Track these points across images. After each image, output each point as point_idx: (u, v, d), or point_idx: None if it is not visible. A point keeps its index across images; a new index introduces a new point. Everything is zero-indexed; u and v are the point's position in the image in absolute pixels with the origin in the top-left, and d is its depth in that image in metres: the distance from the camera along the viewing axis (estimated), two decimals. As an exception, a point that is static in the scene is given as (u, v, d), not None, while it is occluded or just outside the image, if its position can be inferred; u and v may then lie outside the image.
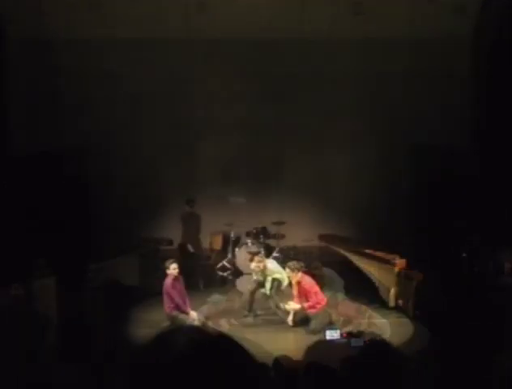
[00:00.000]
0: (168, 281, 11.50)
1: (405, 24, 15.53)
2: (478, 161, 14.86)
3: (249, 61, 16.32)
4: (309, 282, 11.60)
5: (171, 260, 11.72)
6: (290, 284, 11.96)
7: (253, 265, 12.19)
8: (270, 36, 15.79)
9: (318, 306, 11.47)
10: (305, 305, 11.47)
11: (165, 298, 11.49)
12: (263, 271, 12.09)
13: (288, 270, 11.69)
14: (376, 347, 3.62)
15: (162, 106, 16.45)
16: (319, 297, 11.58)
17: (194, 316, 11.50)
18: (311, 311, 11.45)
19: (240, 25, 15.50)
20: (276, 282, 12.04)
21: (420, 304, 12.02)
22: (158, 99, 16.40)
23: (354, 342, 10.20)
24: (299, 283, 11.60)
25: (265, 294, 12.12)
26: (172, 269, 11.52)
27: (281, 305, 11.91)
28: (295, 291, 11.68)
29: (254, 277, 12.26)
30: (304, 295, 11.59)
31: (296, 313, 11.60)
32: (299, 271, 11.59)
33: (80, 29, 15.33)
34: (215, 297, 13.15)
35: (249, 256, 13.15)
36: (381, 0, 15.49)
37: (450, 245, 13.79)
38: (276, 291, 12.05)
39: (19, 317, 3.54)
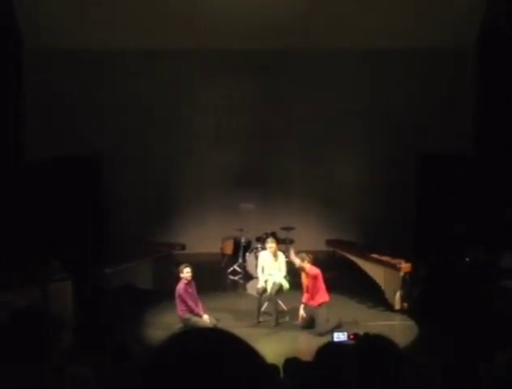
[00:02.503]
0: (180, 285, 11.46)
1: (409, 34, 15.50)
2: (481, 167, 14.76)
3: (256, 68, 16.30)
4: (315, 271, 11.60)
5: (184, 264, 11.69)
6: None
7: (268, 245, 12.35)
8: (277, 44, 15.78)
9: (320, 300, 11.49)
10: (312, 302, 11.52)
11: (178, 302, 11.45)
12: (275, 253, 12.21)
13: (298, 260, 11.69)
14: (365, 342, 3.52)
15: (174, 114, 16.42)
16: (323, 290, 11.61)
17: (206, 319, 11.45)
18: (313, 305, 11.48)
19: (247, 35, 15.45)
20: (277, 285, 12.04)
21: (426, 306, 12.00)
22: (169, 107, 16.39)
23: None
24: (307, 274, 11.61)
25: (268, 295, 12.08)
26: (186, 273, 11.48)
27: (280, 306, 12.04)
28: (305, 282, 11.68)
29: (259, 285, 12.23)
30: (311, 284, 11.59)
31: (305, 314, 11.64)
32: (308, 261, 11.59)
33: (93, 40, 15.32)
34: None
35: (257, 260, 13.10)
36: (385, 11, 15.39)
37: (452, 249, 13.74)
38: (276, 293, 12.02)
39: (35, 319, 3.46)
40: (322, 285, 11.66)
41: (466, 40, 15.69)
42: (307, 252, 12.04)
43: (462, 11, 15.22)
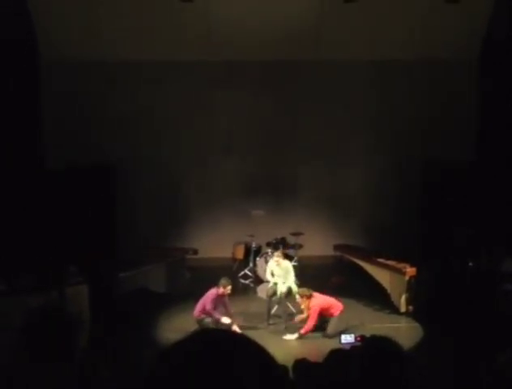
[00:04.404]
0: (213, 292, 11.32)
1: (414, 46, 15.52)
2: (484, 173, 14.71)
3: (268, 79, 16.29)
4: (317, 303, 11.33)
5: (229, 280, 11.49)
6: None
7: (274, 258, 12.45)
8: (288, 56, 15.80)
9: (337, 313, 11.38)
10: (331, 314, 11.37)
11: (201, 304, 11.34)
12: (280, 265, 12.22)
13: (297, 296, 11.63)
14: (370, 343, 3.50)
15: (186, 122, 16.42)
16: (334, 306, 11.46)
17: (223, 320, 11.24)
18: (330, 315, 11.39)
19: (259, 47, 15.46)
20: (287, 288, 12.04)
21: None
22: (182, 116, 16.38)
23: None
24: (309, 308, 11.40)
25: (278, 298, 12.05)
26: (228, 290, 11.35)
27: (290, 309, 12.07)
28: (306, 313, 11.47)
29: (270, 283, 12.23)
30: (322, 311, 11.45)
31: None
32: (308, 298, 11.38)
33: (108, 52, 15.37)
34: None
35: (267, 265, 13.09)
36: (392, 24, 15.39)
37: (456, 253, 13.71)
38: (285, 296, 12.00)
39: (52, 321, 3.47)
40: (331, 304, 11.48)
41: (469, 51, 15.68)
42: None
43: (466, 24, 15.21)
